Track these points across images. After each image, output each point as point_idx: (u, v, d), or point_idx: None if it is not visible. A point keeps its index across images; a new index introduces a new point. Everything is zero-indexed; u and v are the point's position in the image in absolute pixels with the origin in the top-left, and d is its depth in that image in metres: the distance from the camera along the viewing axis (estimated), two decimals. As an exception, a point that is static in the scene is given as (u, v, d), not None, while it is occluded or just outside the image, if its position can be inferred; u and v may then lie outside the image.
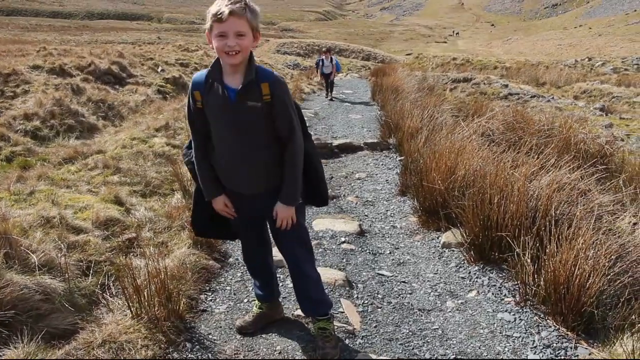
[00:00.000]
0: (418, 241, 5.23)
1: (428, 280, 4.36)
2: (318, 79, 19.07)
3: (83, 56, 17.43)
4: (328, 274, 4.28)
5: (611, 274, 3.42)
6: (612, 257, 3.50)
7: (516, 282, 4.01)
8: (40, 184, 5.94)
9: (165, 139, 8.47)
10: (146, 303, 3.29)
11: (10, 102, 11.54)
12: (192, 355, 3.23)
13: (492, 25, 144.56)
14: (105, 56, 18.02)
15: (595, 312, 3.32)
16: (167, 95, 16.14)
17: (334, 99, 16.98)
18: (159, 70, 18.84)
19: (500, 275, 4.28)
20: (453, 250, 4.85)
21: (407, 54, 68.48)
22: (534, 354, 3.31)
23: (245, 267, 4.47)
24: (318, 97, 17.48)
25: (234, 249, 4.90)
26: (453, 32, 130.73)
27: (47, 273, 3.63)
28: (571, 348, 3.32)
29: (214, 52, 2.71)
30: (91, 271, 3.93)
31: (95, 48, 23.39)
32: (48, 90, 12.09)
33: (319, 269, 4.35)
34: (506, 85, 18.28)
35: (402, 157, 7.93)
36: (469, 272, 4.41)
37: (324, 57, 17.30)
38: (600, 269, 3.37)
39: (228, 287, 4.17)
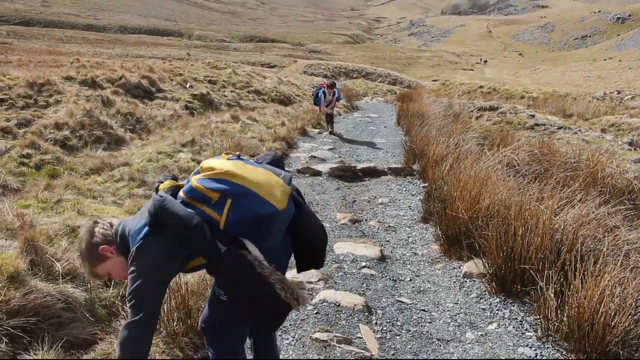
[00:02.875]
0: (439, 269, 5.18)
1: (448, 310, 4.31)
2: (323, 115, 14.67)
3: (114, 69, 17.77)
4: (348, 298, 4.26)
5: (638, 314, 3.34)
6: (640, 296, 3.43)
7: (538, 317, 3.94)
8: (67, 193, 6.03)
9: (190, 155, 8.57)
10: (165, 318, 3.31)
11: (43, 111, 11.78)
12: (208, 373, 3.22)
13: (520, 54, 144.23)
14: (135, 70, 18.36)
15: (621, 352, 3.25)
16: (195, 112, 16.34)
17: (333, 133, 13.91)
18: (187, 86, 19.11)
19: (522, 308, 4.21)
20: (474, 281, 4.80)
21: (433, 80, 68.51)
22: (555, 391, 3.24)
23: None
24: (343, 119, 17.53)
25: (254, 267, 4.90)
26: (480, 59, 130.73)
27: (70, 282, 3.68)
28: (594, 388, 3.24)
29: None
30: (113, 282, 3.96)
31: (127, 62, 23.85)
32: (79, 101, 12.33)
33: (338, 293, 4.36)
34: (533, 116, 18.13)
35: (426, 184, 7.90)
36: (490, 304, 4.34)
37: (326, 89, 13.83)
38: (627, 308, 3.30)
39: (247, 306, 4.16)
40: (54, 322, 3.32)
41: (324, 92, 13.72)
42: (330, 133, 13.98)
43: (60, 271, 3.69)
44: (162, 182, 2.43)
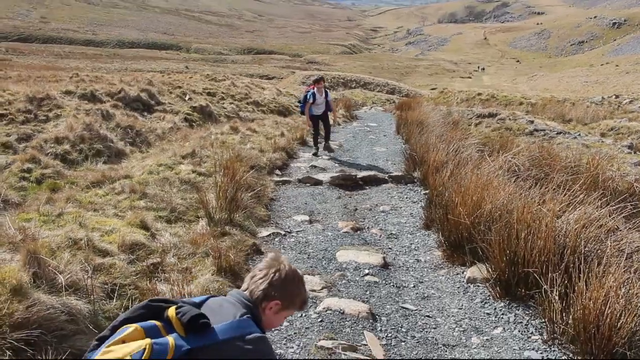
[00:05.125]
0: (443, 275, 5.17)
1: (452, 315, 4.29)
2: (307, 126, 12.54)
3: (113, 83, 17.82)
4: (352, 306, 4.25)
5: (643, 314, 3.33)
6: (644, 297, 3.42)
7: (543, 320, 3.93)
8: (69, 206, 6.02)
9: (191, 166, 8.55)
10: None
11: (43, 125, 11.80)
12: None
13: (518, 61, 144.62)
14: (134, 83, 18.39)
15: (628, 353, 3.23)
16: (194, 124, 16.35)
17: (329, 153, 11.69)
18: (186, 98, 19.15)
19: (527, 312, 4.20)
20: (478, 286, 4.78)
21: (431, 89, 68.64)
22: (563, 394, 3.21)
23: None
24: (343, 129, 17.50)
25: (257, 276, 4.89)
26: (478, 67, 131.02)
27: (73, 294, 3.66)
28: (601, 390, 3.22)
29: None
30: (116, 294, 3.95)
31: (125, 75, 23.92)
32: (79, 115, 12.34)
33: (342, 300, 4.34)
34: (532, 121, 18.16)
35: (427, 191, 7.90)
36: (495, 308, 4.33)
37: (314, 89, 11.45)
38: (633, 308, 3.29)
39: (251, 315, 4.15)
40: (57, 334, 3.30)
41: (313, 94, 11.43)
42: (319, 151, 11.76)
43: (63, 283, 3.68)
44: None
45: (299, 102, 12.04)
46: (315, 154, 11.65)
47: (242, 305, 2.12)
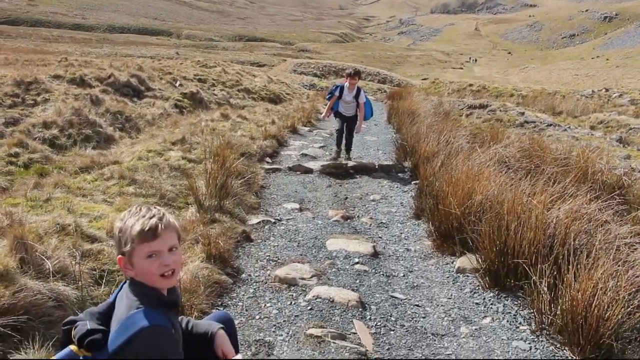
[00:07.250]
0: (432, 265, 5.18)
1: (442, 305, 4.30)
2: (325, 115, 10.49)
3: (103, 68, 17.62)
4: (341, 294, 4.25)
5: (631, 306, 3.35)
6: (633, 289, 3.44)
7: (532, 310, 3.95)
8: (57, 191, 5.96)
9: (181, 153, 8.50)
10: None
11: (31, 109, 11.66)
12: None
13: (509, 53, 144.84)
14: (124, 69, 18.21)
15: (614, 344, 3.25)
16: (184, 110, 16.24)
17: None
18: (176, 84, 19.00)
19: (516, 302, 4.22)
20: (468, 276, 4.80)
21: (423, 79, 68.68)
22: (550, 385, 3.24)
23: (257, 284, 4.47)
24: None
25: (247, 264, 4.87)
26: (470, 58, 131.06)
27: (61, 280, 3.63)
28: (588, 381, 3.25)
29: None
30: (104, 280, 3.92)
31: (115, 61, 23.66)
32: (67, 100, 12.20)
33: (332, 289, 4.34)
34: (522, 113, 18.21)
35: (417, 181, 7.90)
36: (484, 298, 4.35)
37: (346, 82, 9.77)
38: (620, 300, 3.31)
39: (240, 303, 4.14)
40: (45, 320, 3.27)
41: (340, 88, 9.80)
42: (340, 154, 10.08)
43: (51, 269, 3.64)
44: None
45: (330, 93, 10.34)
46: (335, 158, 9.98)
47: (131, 292, 2.01)
